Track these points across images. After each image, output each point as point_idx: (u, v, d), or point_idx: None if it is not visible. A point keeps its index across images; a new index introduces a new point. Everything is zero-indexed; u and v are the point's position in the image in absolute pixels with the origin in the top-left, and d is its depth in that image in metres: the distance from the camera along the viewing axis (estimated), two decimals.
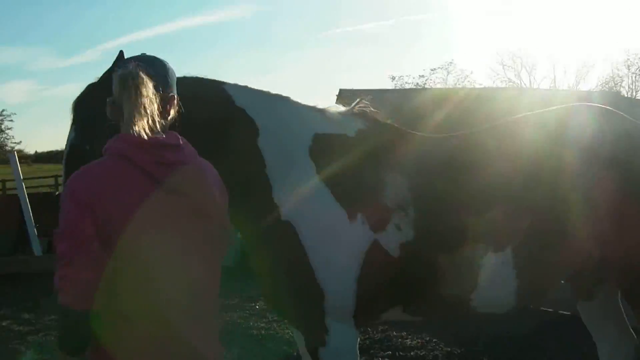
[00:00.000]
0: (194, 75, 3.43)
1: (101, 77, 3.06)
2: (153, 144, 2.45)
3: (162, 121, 2.51)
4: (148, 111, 2.39)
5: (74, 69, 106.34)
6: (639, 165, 3.63)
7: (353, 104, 3.78)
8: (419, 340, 6.95)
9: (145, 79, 2.42)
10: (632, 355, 4.02)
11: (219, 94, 3.44)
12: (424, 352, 6.64)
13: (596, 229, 3.56)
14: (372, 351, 6.67)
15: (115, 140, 2.46)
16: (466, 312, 3.78)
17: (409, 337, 7.10)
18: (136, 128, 2.36)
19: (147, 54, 2.72)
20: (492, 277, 3.54)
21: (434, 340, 6.94)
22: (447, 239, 3.51)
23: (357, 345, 3.60)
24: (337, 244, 3.39)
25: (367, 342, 6.90)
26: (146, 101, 2.39)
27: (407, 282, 3.50)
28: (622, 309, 4.08)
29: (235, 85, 3.56)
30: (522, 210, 3.54)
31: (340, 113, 3.73)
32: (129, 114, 2.36)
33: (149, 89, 2.42)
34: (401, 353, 6.65)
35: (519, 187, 3.55)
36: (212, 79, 3.54)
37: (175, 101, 2.62)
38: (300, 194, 3.40)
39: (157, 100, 2.44)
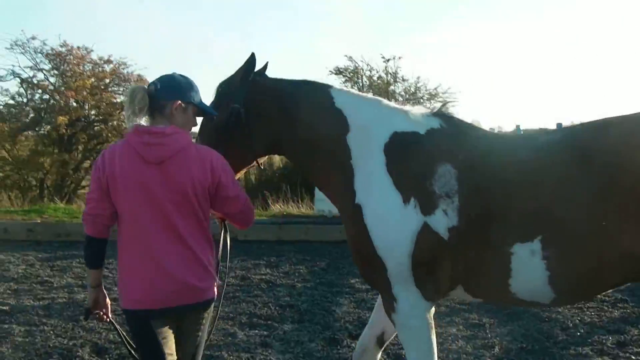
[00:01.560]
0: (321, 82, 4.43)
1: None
2: (142, 131, 3.68)
3: (162, 118, 3.76)
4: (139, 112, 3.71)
5: None
6: None
7: (438, 107, 4.35)
8: None
9: (136, 94, 3.71)
10: None
11: (326, 96, 4.28)
12: None
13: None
14: None
15: (128, 133, 3.77)
16: (511, 299, 4.05)
17: None
18: (134, 122, 3.72)
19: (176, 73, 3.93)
20: (522, 266, 3.79)
21: None
22: (486, 227, 3.84)
23: (429, 315, 4.05)
24: (391, 222, 3.93)
25: None
26: (137, 107, 3.69)
27: (459, 263, 3.91)
28: None
29: (339, 90, 4.38)
30: (551, 206, 3.75)
31: (422, 114, 4.25)
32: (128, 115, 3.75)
33: (140, 99, 3.70)
34: None
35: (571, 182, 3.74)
36: (324, 83, 4.42)
37: (176, 104, 3.75)
38: (370, 181, 4.03)
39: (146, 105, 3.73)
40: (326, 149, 4.20)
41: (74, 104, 22.97)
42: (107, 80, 23.40)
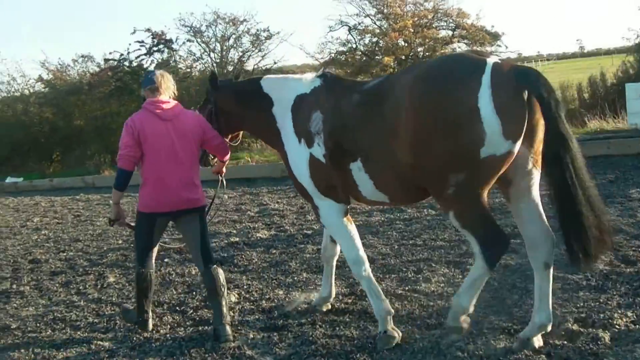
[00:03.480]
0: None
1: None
2: (155, 103, 5.99)
3: (169, 93, 6.16)
4: (163, 87, 6.11)
5: None
6: (425, 91, 4.57)
7: (319, 71, 5.97)
8: None
9: (164, 75, 6.25)
10: (550, 249, 4.82)
11: (257, 84, 6.20)
12: None
13: (408, 144, 4.66)
14: None
15: (145, 104, 6.03)
16: (370, 202, 5.58)
17: None
18: (155, 96, 6.06)
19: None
20: (358, 178, 5.28)
21: None
22: (338, 154, 5.32)
23: (343, 214, 5.65)
24: (296, 157, 5.71)
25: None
26: (164, 84, 6.13)
27: (337, 179, 5.45)
28: (542, 213, 4.85)
29: (266, 78, 6.34)
30: (368, 132, 5.08)
31: (312, 77, 5.93)
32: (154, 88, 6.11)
33: (166, 78, 6.21)
34: None
35: (373, 115, 5.07)
36: (258, 77, 6.46)
37: (174, 88, 6.28)
38: (287, 134, 5.83)
39: (169, 83, 6.22)
40: (265, 121, 6.04)
41: (402, 43, 24.29)
42: (430, 16, 24.27)
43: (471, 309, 4.99)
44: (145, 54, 27.28)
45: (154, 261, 6.25)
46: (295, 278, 7.47)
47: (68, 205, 16.90)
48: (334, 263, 6.47)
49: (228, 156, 6.56)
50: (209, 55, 27.47)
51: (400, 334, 5.32)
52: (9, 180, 24.93)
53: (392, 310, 5.49)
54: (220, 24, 26.84)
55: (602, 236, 4.52)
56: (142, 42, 27.03)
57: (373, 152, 5.06)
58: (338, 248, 6.31)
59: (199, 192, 6.14)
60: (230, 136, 6.63)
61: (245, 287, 7.36)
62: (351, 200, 5.64)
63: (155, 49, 27.22)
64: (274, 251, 8.93)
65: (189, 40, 27.41)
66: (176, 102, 6.19)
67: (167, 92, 6.14)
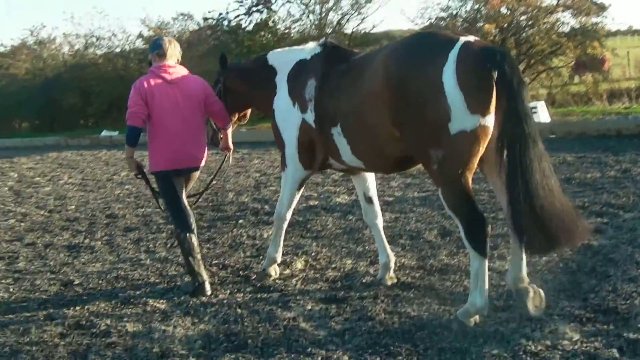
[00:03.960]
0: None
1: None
2: (162, 67, 6.30)
3: (175, 59, 6.43)
4: (169, 54, 6.38)
5: None
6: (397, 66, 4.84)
7: (321, 40, 6.28)
8: None
9: (172, 42, 6.53)
10: None
11: (263, 58, 6.72)
12: None
13: (389, 118, 4.94)
14: None
15: (152, 68, 6.33)
16: (349, 165, 5.91)
17: None
18: (162, 61, 6.35)
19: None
20: (338, 143, 5.65)
21: None
22: (324, 118, 5.74)
23: (301, 179, 6.26)
24: (287, 120, 6.15)
25: None
26: (170, 50, 6.40)
27: (323, 144, 5.85)
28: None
29: (272, 52, 6.74)
30: (347, 100, 5.45)
31: (313, 46, 6.26)
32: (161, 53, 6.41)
33: (172, 45, 6.46)
34: None
35: (352, 84, 5.42)
36: (264, 53, 6.87)
37: (179, 55, 6.54)
38: (279, 96, 6.29)
39: (176, 49, 6.48)
40: (269, 90, 6.40)
41: (504, 11, 23.49)
42: None
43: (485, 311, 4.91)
44: (244, 14, 27.31)
45: (192, 221, 6.39)
46: (367, 247, 7.27)
47: None
48: (380, 226, 6.39)
49: (229, 125, 6.84)
50: (308, 16, 27.33)
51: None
52: (104, 133, 25.64)
53: (279, 260, 6.65)
54: None
55: (564, 223, 4.54)
56: (242, 1, 27.10)
57: (350, 119, 5.44)
58: (378, 210, 6.43)
59: (202, 151, 6.52)
60: (237, 116, 7.06)
61: (313, 254, 7.23)
62: (335, 163, 6.07)
63: (254, 9, 27.21)
64: (351, 217, 8.75)
65: (288, 1, 27.26)
66: (182, 66, 6.53)
67: (173, 58, 6.45)
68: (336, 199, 10.07)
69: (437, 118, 4.58)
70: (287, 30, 27.57)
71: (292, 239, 7.81)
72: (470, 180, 4.77)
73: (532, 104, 16.11)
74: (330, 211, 9.29)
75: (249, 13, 27.34)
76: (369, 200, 6.39)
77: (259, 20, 27.37)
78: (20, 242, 9.15)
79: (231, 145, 6.98)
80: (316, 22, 26.90)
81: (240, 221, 9.02)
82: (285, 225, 6.52)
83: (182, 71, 6.43)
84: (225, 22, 27.79)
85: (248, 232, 8.42)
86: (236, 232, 8.49)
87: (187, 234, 6.26)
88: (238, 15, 27.50)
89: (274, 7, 27.25)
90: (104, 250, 8.25)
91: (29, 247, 8.84)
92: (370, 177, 6.39)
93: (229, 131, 6.86)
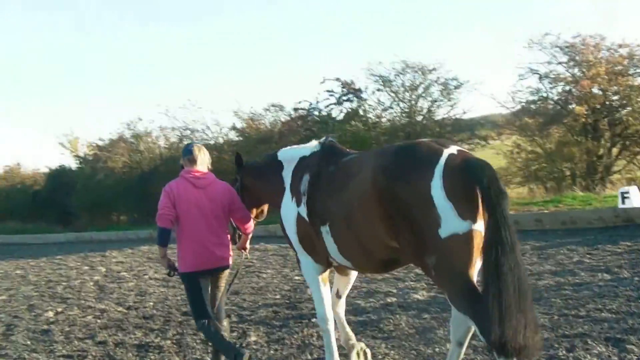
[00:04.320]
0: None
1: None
2: (191, 172, 6.97)
3: (204, 166, 7.10)
4: (199, 161, 7.08)
5: None
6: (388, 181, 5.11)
7: (323, 139, 6.74)
8: None
9: (201, 149, 7.22)
10: (467, 331, 5.61)
11: (274, 154, 7.20)
12: None
13: (383, 228, 5.22)
14: None
15: (182, 172, 7.01)
16: (338, 264, 6.30)
17: None
18: (192, 166, 7.04)
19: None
20: (327, 241, 5.98)
21: None
22: (314, 214, 6.10)
23: (319, 274, 6.46)
24: (287, 212, 6.54)
25: None
26: (200, 157, 7.09)
27: (315, 239, 6.15)
28: None
29: (284, 149, 7.17)
30: (336, 202, 5.78)
31: (315, 143, 6.77)
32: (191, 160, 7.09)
33: (202, 152, 7.15)
34: None
35: (340, 192, 5.77)
36: (274, 151, 7.29)
37: (209, 162, 7.26)
38: (285, 191, 6.66)
39: (205, 157, 7.18)
40: (277, 185, 6.81)
41: (597, 92, 23.05)
42: (625, 63, 22.86)
43: None
44: (334, 103, 27.78)
45: (213, 313, 6.97)
46: (437, 349, 7.18)
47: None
48: (342, 314, 7.09)
49: (251, 229, 7.40)
50: (398, 104, 27.49)
51: None
52: None
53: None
54: (408, 72, 26.77)
55: (525, 331, 4.58)
56: (332, 91, 27.59)
57: (338, 220, 5.77)
58: (343, 302, 7.10)
59: (228, 252, 7.09)
60: (255, 212, 7.67)
61: (380, 357, 7.17)
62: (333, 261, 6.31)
63: (344, 98, 27.64)
64: (426, 316, 8.64)
65: (378, 90, 27.53)
66: (210, 173, 7.17)
67: (203, 164, 7.11)
68: (414, 295, 9.98)
69: (426, 226, 4.86)
70: (378, 119, 27.75)
71: (363, 339, 7.78)
72: (473, 280, 4.91)
73: (623, 189, 15.67)
74: (406, 309, 9.20)
75: (339, 102, 27.76)
76: (339, 297, 7.07)
77: (349, 109, 27.73)
78: (92, 340, 9.51)
79: (248, 246, 7.59)
80: (406, 110, 27.01)
81: (314, 320, 9.01)
82: (331, 327, 6.51)
83: (210, 177, 7.07)
84: (316, 112, 28.28)
85: (319, 332, 8.36)
86: (307, 331, 8.55)
87: (207, 321, 6.76)
88: (328, 105, 27.97)
89: (363, 96, 27.56)
90: (172, 350, 8.44)
91: (100, 345, 9.18)
92: (352, 277, 7.03)
93: (249, 235, 7.48)
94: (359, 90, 27.49)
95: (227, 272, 7.17)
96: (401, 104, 27.42)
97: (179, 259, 6.90)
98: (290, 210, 6.47)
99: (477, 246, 4.83)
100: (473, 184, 4.79)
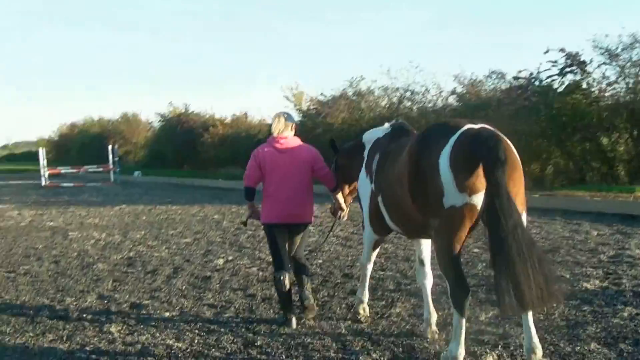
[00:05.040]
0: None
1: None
2: (275, 138, 7.95)
3: (287, 131, 8.00)
4: (278, 129, 7.96)
5: None
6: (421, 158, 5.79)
7: (392, 121, 7.87)
8: None
9: (280, 118, 8.03)
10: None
11: (358, 140, 8.21)
12: None
13: (408, 190, 5.99)
14: None
15: (269, 139, 8.01)
16: (396, 230, 7.10)
17: None
18: (273, 134, 8.01)
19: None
20: (383, 210, 6.93)
21: None
22: (377, 188, 7.01)
23: (374, 241, 7.70)
24: (362, 188, 7.56)
25: None
26: (279, 125, 7.97)
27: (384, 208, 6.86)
28: None
29: (367, 131, 8.14)
30: (386, 176, 6.75)
31: (387, 125, 7.69)
32: (272, 129, 8.02)
33: (281, 121, 7.99)
34: None
35: (391, 165, 6.63)
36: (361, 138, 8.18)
37: (294, 125, 8.10)
38: (362, 167, 7.62)
39: (284, 125, 7.99)
40: (360, 164, 7.74)
41: None
42: None
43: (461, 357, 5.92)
44: (556, 74, 26.47)
45: (288, 265, 7.91)
46: (577, 348, 6.74)
47: None
48: (429, 286, 7.43)
49: (337, 189, 8.30)
50: (624, 79, 25.63)
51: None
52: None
53: (365, 301, 8.08)
54: (637, 47, 24.77)
55: (539, 289, 5.07)
56: (555, 62, 26.31)
57: (387, 191, 6.71)
58: (429, 271, 7.44)
59: (307, 210, 8.02)
60: (348, 189, 8.56)
61: (512, 347, 6.83)
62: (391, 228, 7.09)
63: (567, 69, 26.26)
64: (585, 307, 8.13)
65: (603, 63, 25.81)
66: (295, 137, 8.05)
67: (285, 130, 7.96)
68: (585, 284, 9.36)
69: (434, 193, 5.54)
70: (602, 94, 26.10)
71: (505, 325, 7.49)
72: (458, 250, 5.65)
73: None
74: (569, 297, 8.56)
75: (562, 74, 26.42)
76: (421, 262, 7.43)
77: (571, 82, 26.34)
78: (243, 292, 9.92)
79: (343, 206, 8.47)
80: (631, 86, 25.14)
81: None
82: (368, 272, 8.00)
83: (293, 141, 7.98)
84: (536, 82, 27.15)
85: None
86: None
87: (282, 276, 7.73)
88: (550, 76, 26.72)
89: (587, 69, 26.02)
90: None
91: (248, 297, 9.48)
92: (425, 243, 7.35)
93: (339, 195, 8.36)
94: (584, 62, 25.93)
95: (304, 228, 8.11)
96: (627, 79, 25.58)
97: (262, 211, 8.00)
98: (366, 185, 7.41)
99: (470, 219, 5.50)
100: (475, 153, 5.31)
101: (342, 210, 8.48)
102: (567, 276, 9.89)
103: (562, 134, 25.19)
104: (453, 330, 5.95)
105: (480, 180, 5.31)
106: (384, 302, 8.88)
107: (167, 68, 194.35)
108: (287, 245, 8.02)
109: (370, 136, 7.87)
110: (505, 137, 5.59)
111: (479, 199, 5.36)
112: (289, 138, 7.98)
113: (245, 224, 8.94)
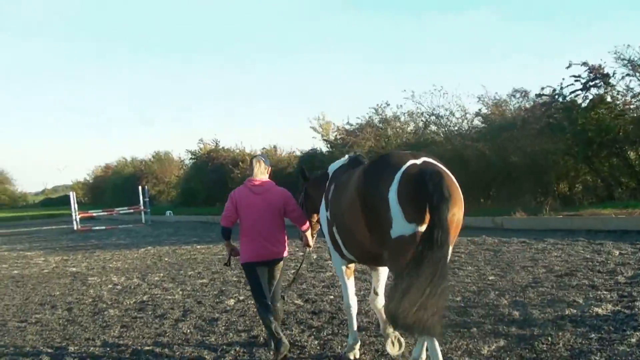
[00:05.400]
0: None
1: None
2: (250, 180, 8.31)
3: (264, 174, 8.39)
4: (260, 171, 8.35)
5: None
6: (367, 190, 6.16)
7: (352, 153, 8.22)
8: None
9: (260, 162, 8.42)
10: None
11: (326, 168, 8.40)
12: None
13: (361, 222, 6.33)
14: None
15: (245, 181, 8.34)
16: (352, 259, 7.54)
17: None
18: (256, 176, 8.31)
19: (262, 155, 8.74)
20: (338, 239, 7.26)
21: None
22: (331, 217, 7.34)
23: (343, 268, 7.69)
24: (322, 217, 7.86)
25: None
26: (261, 168, 8.36)
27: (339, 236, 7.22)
28: None
29: (334, 163, 8.28)
30: (338, 206, 7.01)
31: (345, 158, 8.13)
32: (254, 172, 8.35)
33: (261, 165, 8.37)
34: None
35: (341, 196, 6.93)
36: (327, 168, 8.39)
37: (269, 169, 8.47)
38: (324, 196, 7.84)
39: (261, 168, 8.37)
40: (322, 188, 8.07)
41: None
42: None
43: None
44: (580, 89, 25.98)
45: (269, 298, 8.28)
46: None
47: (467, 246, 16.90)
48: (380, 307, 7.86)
49: (306, 227, 8.61)
50: None
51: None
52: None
53: (356, 346, 7.85)
54: None
55: (419, 312, 5.32)
56: (578, 76, 25.84)
57: (339, 220, 7.01)
58: (381, 299, 7.90)
59: (281, 247, 8.38)
60: (316, 217, 8.73)
61: None
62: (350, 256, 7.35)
63: (591, 83, 25.77)
64: (592, 335, 7.75)
65: (627, 75, 25.26)
66: (269, 181, 8.44)
67: (259, 175, 8.36)
68: (596, 309, 8.98)
69: (384, 225, 5.85)
70: (627, 106, 25.51)
71: (508, 358, 7.17)
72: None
73: None
74: (578, 324, 8.31)
75: (586, 88, 25.93)
76: (376, 293, 7.99)
77: (595, 95, 25.83)
78: (247, 334, 9.22)
79: (311, 243, 8.81)
80: None
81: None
82: (353, 313, 7.81)
83: (267, 185, 8.37)
84: (560, 98, 26.69)
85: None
86: (456, 343, 7.97)
87: (265, 308, 8.08)
88: (574, 91, 26.24)
89: (611, 81, 25.48)
90: (313, 351, 8.28)
91: (251, 339, 8.92)
92: (382, 273, 7.92)
93: (308, 233, 8.68)
94: (607, 75, 25.41)
95: (280, 263, 8.46)
96: None
97: (240, 251, 8.28)
98: (323, 214, 7.72)
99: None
100: (421, 189, 5.62)
101: (310, 246, 8.81)
102: (580, 301, 9.52)
103: (588, 150, 24.64)
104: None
105: (426, 212, 5.65)
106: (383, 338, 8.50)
107: (198, 103, 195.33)
108: (267, 280, 8.37)
109: (333, 167, 8.25)
110: (447, 171, 6.04)
111: (424, 228, 5.68)
112: (263, 180, 8.40)
113: (228, 264, 9.17)
